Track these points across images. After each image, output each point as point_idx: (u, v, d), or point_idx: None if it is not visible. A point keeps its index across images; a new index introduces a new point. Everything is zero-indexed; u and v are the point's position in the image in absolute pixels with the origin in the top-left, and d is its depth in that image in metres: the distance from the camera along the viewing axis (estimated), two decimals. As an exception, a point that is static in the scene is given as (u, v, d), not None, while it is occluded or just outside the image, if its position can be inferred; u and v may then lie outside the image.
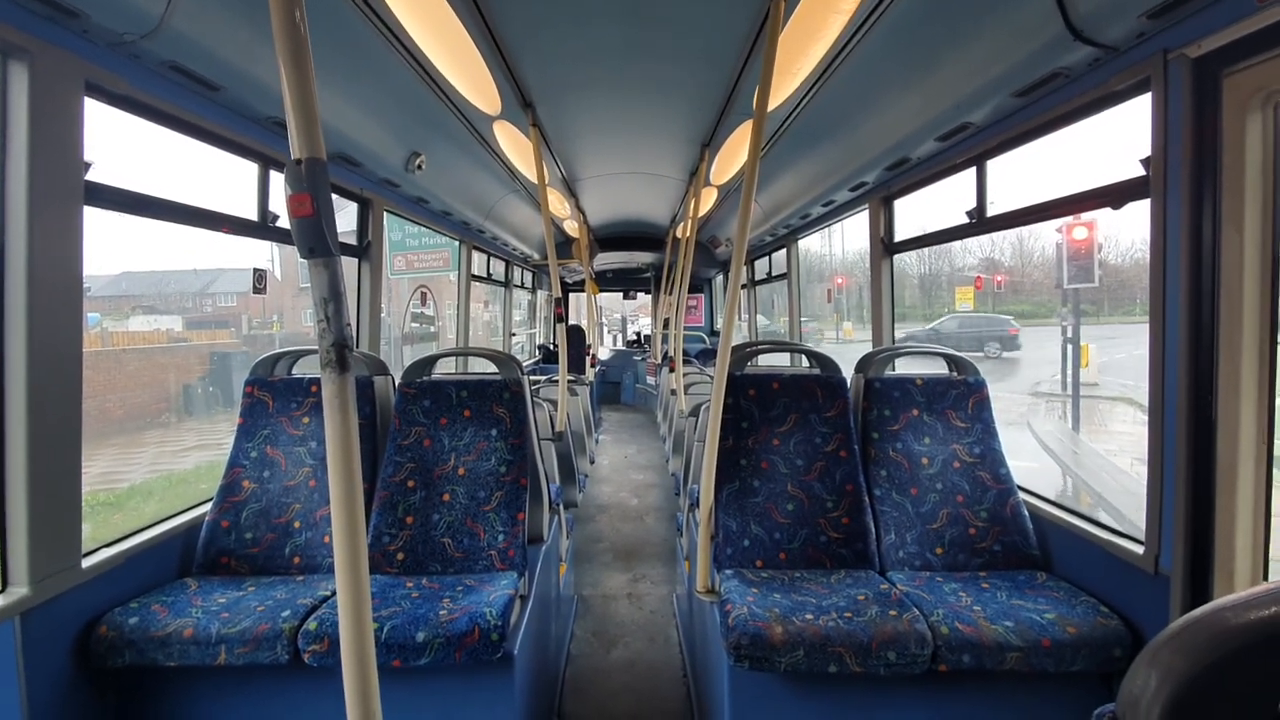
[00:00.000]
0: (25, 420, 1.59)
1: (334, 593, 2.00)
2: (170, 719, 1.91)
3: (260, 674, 1.87)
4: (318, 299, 0.99)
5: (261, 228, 2.48)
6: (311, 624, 1.80)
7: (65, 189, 1.65)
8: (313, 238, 0.97)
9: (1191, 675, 0.43)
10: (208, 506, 2.30)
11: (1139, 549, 1.77)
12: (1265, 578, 1.51)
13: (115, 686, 1.87)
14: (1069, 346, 12.00)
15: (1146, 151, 1.67)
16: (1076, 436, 10.56)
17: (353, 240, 3.36)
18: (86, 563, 1.80)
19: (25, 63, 1.53)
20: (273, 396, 2.44)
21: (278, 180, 2.52)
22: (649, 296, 11.28)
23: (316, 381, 2.47)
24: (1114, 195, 1.85)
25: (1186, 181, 1.54)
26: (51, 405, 1.64)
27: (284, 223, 2.51)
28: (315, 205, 0.95)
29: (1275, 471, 1.51)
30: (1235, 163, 1.46)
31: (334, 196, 3.09)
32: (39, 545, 1.63)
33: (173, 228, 2.21)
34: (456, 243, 5.20)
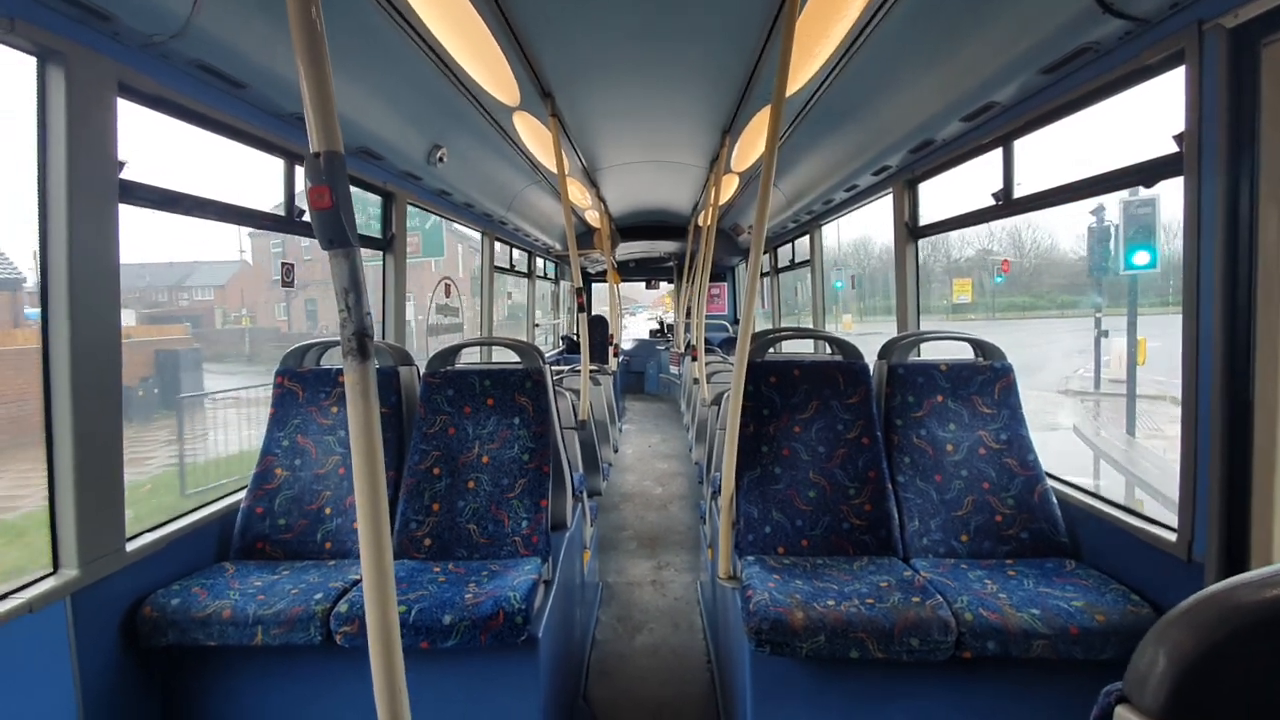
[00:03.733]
0: (70, 410, 1.66)
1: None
2: (212, 696, 1.99)
3: (295, 654, 1.93)
4: (338, 289, 1.01)
5: (288, 222, 2.53)
6: (343, 606, 1.86)
7: (101, 187, 1.71)
8: (332, 229, 0.99)
9: (1199, 652, 0.42)
10: (243, 494, 2.38)
11: (1171, 536, 1.73)
12: None
13: (160, 665, 1.96)
14: (1102, 339, 11.23)
15: (1178, 127, 1.62)
16: (1134, 441, 9.26)
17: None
18: (130, 546, 1.88)
19: (61, 66, 1.59)
20: (302, 387, 2.50)
21: (303, 176, 2.57)
22: (670, 286, 11.26)
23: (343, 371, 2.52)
24: (1146, 173, 1.79)
25: (1223, 157, 1.49)
26: (94, 396, 1.71)
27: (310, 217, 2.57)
28: (334, 197, 0.97)
29: None
30: (1274, 137, 1.40)
31: (361, 190, 3.15)
32: (86, 529, 1.71)
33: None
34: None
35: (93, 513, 1.73)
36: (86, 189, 1.66)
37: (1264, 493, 1.48)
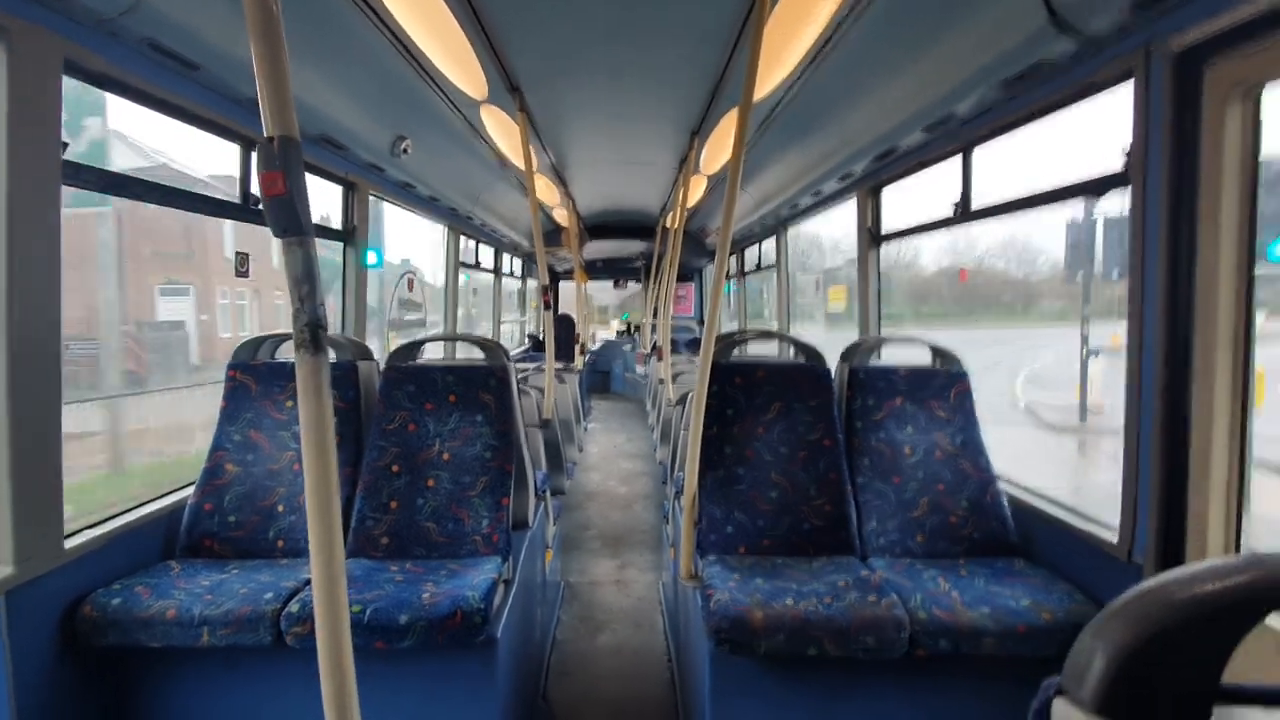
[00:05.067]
0: (6, 401, 1.57)
1: None
2: (155, 698, 1.91)
3: (244, 655, 1.87)
4: (291, 279, 0.98)
5: (244, 210, 2.45)
6: (294, 606, 1.81)
7: (44, 169, 1.63)
8: (285, 217, 0.96)
9: (1133, 647, 0.43)
10: (190, 490, 2.29)
11: (1113, 537, 1.80)
12: None
13: (100, 666, 1.87)
14: (1091, 357, 10.02)
15: (1128, 142, 1.69)
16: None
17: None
18: (69, 543, 1.79)
19: (3, 42, 1.50)
20: (255, 380, 2.42)
21: None
22: (638, 287, 11.27)
23: None
24: (1096, 187, 1.86)
25: (1166, 174, 1.56)
26: (32, 386, 1.63)
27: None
28: (288, 184, 0.94)
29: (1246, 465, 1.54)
30: (1214, 155, 1.47)
31: (322, 180, 3.07)
32: (22, 525, 1.63)
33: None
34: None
35: (29, 508, 1.64)
36: (28, 170, 1.58)
37: (1199, 498, 1.55)
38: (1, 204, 1.53)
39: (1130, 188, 1.68)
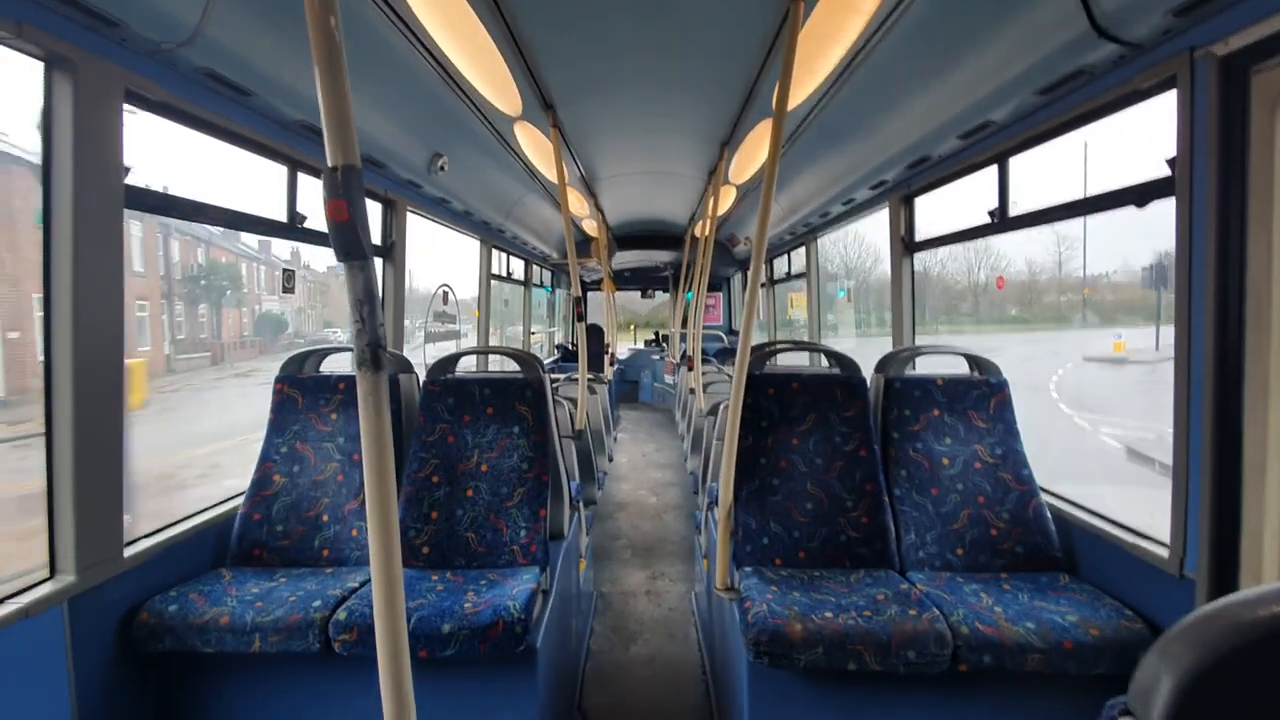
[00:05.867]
0: (71, 416, 1.66)
1: (362, 584, 2.06)
2: (207, 703, 1.98)
3: (293, 661, 1.92)
4: (353, 300, 1.02)
5: (290, 229, 2.54)
6: (341, 614, 1.86)
7: (107, 193, 1.72)
8: (349, 242, 1.00)
9: (1201, 669, 0.44)
10: (240, 500, 2.38)
11: (1164, 552, 1.75)
12: None
13: (156, 671, 1.95)
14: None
15: (1172, 149, 1.66)
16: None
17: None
18: (128, 552, 1.88)
19: (69, 73, 1.60)
20: (302, 394, 2.50)
21: (304, 182, 2.59)
22: (666, 296, 11.29)
23: (344, 379, 2.53)
24: (1138, 195, 1.83)
25: (1213, 182, 1.53)
26: (96, 402, 1.71)
27: (311, 224, 2.58)
28: (351, 211, 0.99)
29: None
30: (1263, 163, 1.44)
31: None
32: (84, 535, 1.71)
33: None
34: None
35: (91, 518, 1.72)
36: (92, 195, 1.67)
37: (1254, 511, 1.51)
38: (69, 226, 1.62)
39: (1176, 197, 1.65)
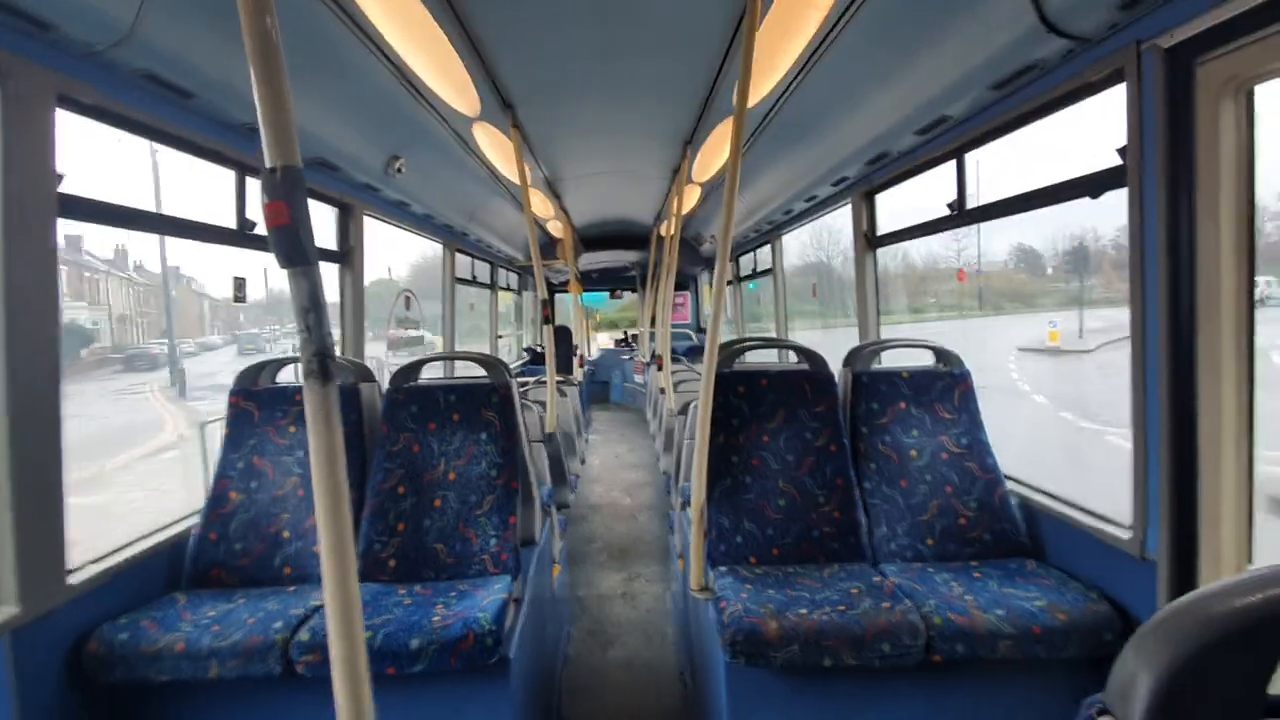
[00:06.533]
0: (6, 438, 1.56)
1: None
2: None
3: (254, 686, 1.85)
4: (298, 308, 0.97)
5: (240, 236, 2.44)
6: (304, 634, 1.79)
7: (39, 202, 1.62)
8: (290, 246, 0.95)
9: (1177, 664, 0.43)
10: (193, 520, 2.27)
11: (1125, 535, 1.79)
12: (1250, 561, 1.54)
13: (108, 703, 1.85)
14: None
15: (1123, 140, 1.70)
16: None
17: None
18: (73, 580, 1.78)
19: None
20: (258, 406, 2.41)
21: (255, 187, 2.49)
22: (634, 295, 11.28)
23: (300, 389, 2.44)
24: (1092, 185, 1.87)
25: (1162, 171, 1.57)
26: (32, 422, 1.61)
27: (262, 230, 2.48)
28: (291, 213, 0.94)
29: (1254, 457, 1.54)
30: (1209, 152, 1.48)
31: (313, 203, 3.06)
32: (25, 563, 1.61)
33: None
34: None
35: (32, 546, 1.63)
36: (22, 204, 1.57)
37: (1210, 492, 1.55)
38: None
39: (1127, 187, 1.68)
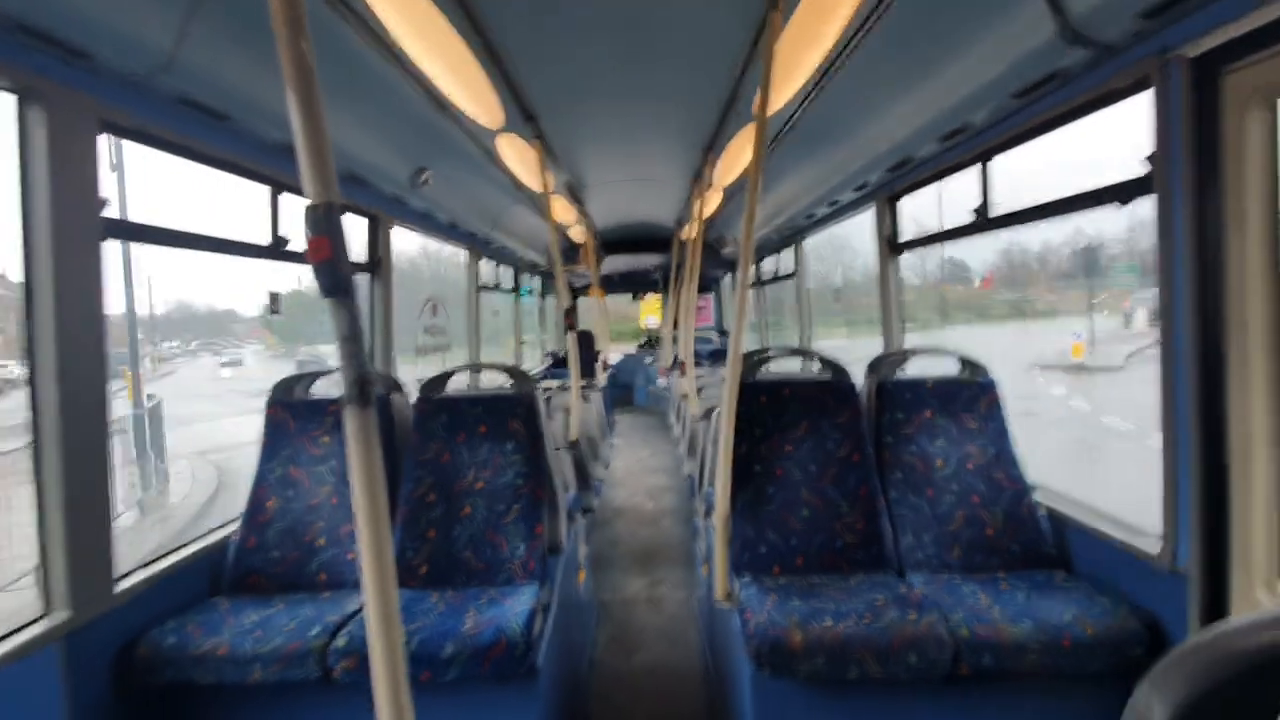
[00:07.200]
0: (59, 451, 1.64)
1: (361, 608, 2.05)
2: None
3: (293, 690, 1.91)
4: (339, 336, 1.02)
5: (275, 251, 2.52)
6: (340, 640, 1.85)
7: (86, 225, 1.70)
8: (331, 278, 1.00)
9: (1193, 700, 0.44)
10: (233, 526, 2.35)
11: (1155, 547, 1.77)
12: None
13: (155, 705, 1.92)
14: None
15: (1144, 145, 1.68)
16: None
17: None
18: (120, 586, 1.86)
19: (42, 105, 1.58)
20: (293, 417, 2.49)
21: (287, 202, 2.57)
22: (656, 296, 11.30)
23: (334, 401, 2.51)
24: (1120, 193, 1.85)
25: (1189, 180, 1.55)
26: (82, 435, 1.70)
27: (294, 245, 2.57)
28: (333, 248, 0.98)
29: None
30: (1236, 161, 1.46)
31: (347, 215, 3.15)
32: (76, 570, 1.69)
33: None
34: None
35: (82, 553, 1.71)
36: (71, 228, 1.65)
37: (1241, 502, 1.53)
38: (49, 261, 1.61)
39: (1155, 195, 1.66)
